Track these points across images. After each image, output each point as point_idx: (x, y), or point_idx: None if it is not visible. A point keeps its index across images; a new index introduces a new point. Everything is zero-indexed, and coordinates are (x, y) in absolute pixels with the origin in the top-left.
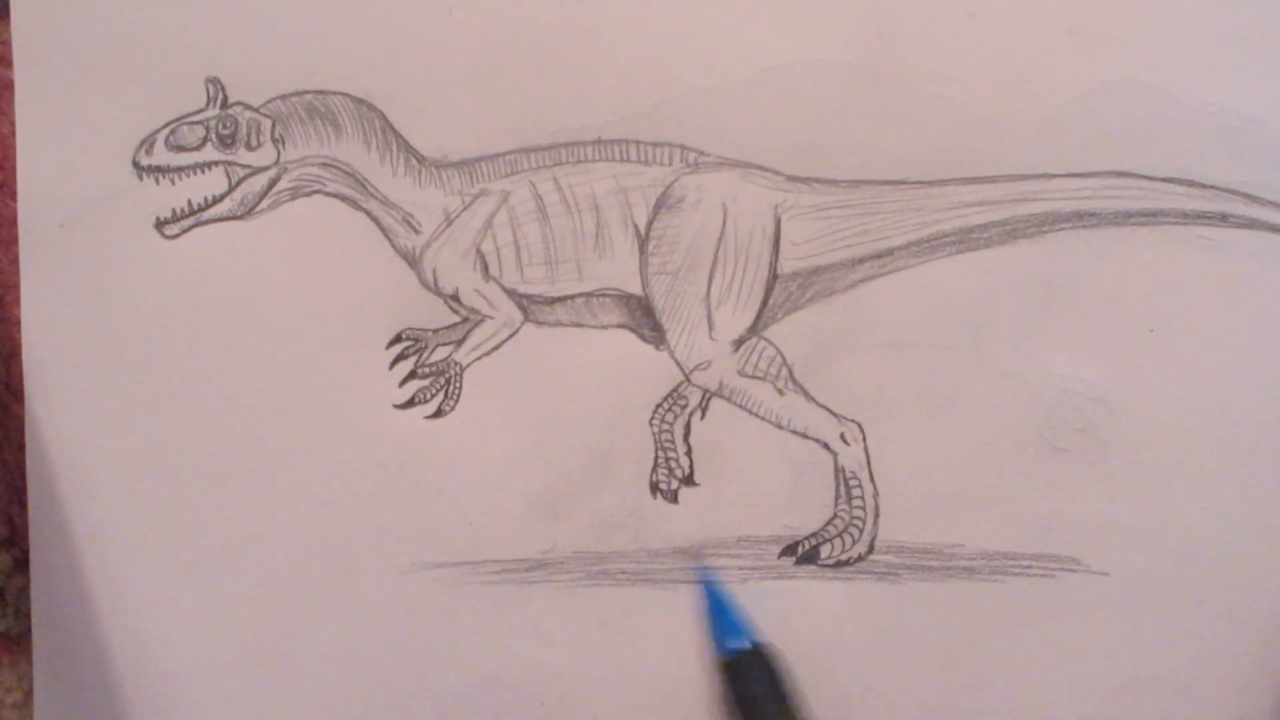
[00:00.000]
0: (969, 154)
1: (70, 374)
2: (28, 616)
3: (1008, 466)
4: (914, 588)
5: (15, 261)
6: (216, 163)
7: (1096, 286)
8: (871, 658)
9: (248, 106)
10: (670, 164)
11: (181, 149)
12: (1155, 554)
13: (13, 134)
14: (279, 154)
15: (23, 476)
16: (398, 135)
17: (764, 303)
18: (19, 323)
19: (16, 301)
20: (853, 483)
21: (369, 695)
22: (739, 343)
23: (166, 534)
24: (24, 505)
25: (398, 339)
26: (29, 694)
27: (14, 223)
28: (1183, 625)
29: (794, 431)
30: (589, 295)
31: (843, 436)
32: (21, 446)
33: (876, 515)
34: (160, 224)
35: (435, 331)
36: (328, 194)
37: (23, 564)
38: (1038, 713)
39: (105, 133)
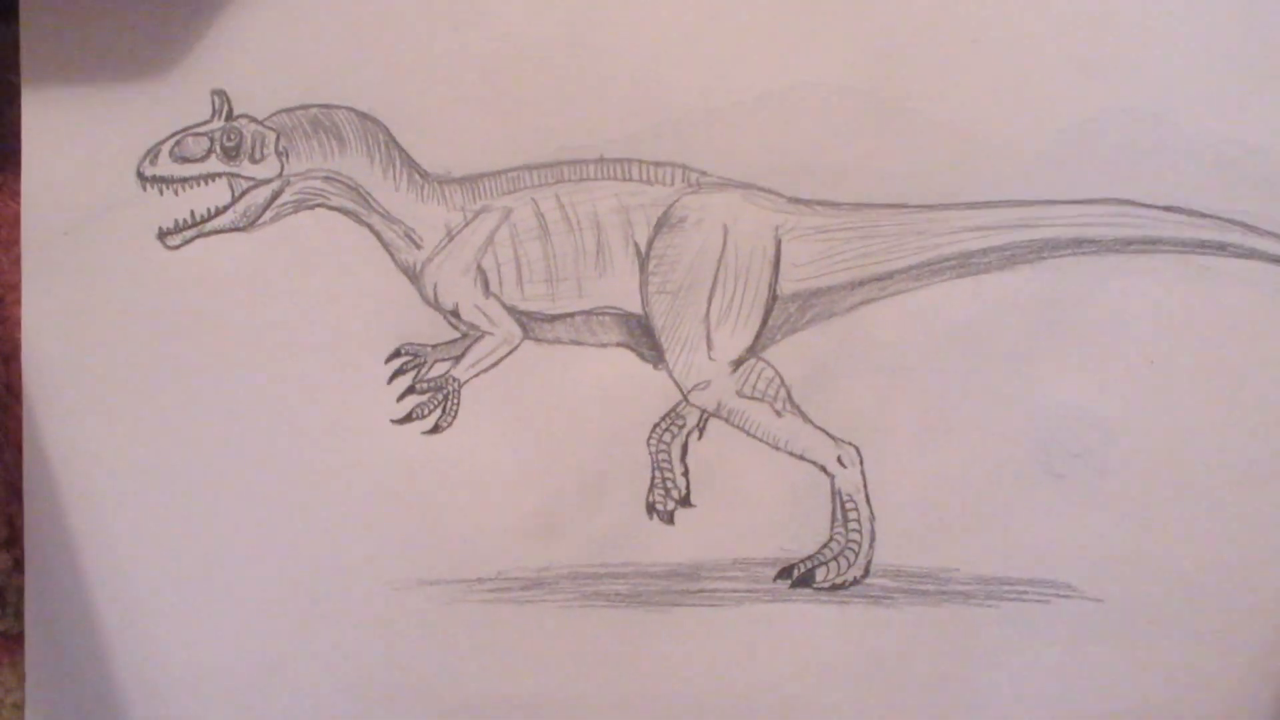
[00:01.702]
0: (970, 179)
1: (70, 381)
2: None
3: (1004, 491)
4: (909, 612)
5: (17, 262)
6: (220, 174)
7: (1095, 313)
8: (866, 681)
9: (253, 119)
10: (672, 184)
11: (186, 160)
12: (1150, 582)
13: (18, 140)
14: (283, 167)
15: (22, 478)
16: (401, 150)
17: (763, 324)
18: (19, 323)
19: (17, 302)
20: (849, 506)
21: (361, 710)
22: (738, 363)
23: (162, 548)
24: (23, 506)
25: (397, 354)
26: None
27: (15, 223)
28: (1177, 653)
29: (791, 453)
30: (589, 313)
31: (840, 459)
32: (20, 447)
33: (872, 539)
34: (163, 234)
35: (434, 347)
36: (330, 207)
37: (23, 565)
38: None
39: (110, 142)
